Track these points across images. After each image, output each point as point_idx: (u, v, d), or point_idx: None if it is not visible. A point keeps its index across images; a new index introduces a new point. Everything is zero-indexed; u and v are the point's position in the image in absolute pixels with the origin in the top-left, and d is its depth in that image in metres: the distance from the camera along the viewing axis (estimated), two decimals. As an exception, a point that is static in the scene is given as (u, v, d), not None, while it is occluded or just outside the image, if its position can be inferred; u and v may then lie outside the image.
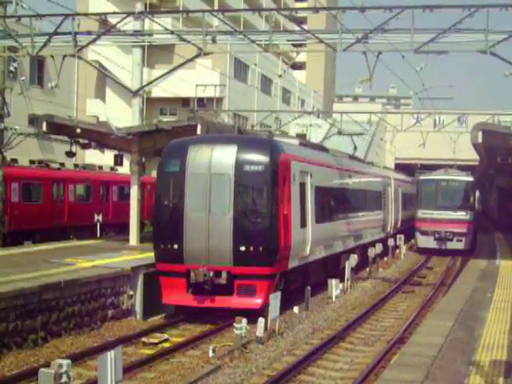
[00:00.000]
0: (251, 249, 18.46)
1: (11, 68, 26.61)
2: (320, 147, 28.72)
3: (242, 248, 18.46)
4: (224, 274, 18.48)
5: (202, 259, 18.53)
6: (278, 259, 19.02)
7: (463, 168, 49.72)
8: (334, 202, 26.26)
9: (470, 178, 41.15)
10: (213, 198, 18.66)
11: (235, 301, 18.44)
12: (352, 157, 34.07)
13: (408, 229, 43.36)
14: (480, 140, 27.09)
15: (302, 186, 21.49)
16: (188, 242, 18.66)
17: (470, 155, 54.68)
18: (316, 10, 24.62)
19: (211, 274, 18.19)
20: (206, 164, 18.82)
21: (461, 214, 38.78)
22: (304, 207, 21.54)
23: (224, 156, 18.91)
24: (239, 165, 18.80)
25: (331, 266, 25.35)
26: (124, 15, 21.68)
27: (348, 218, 28.29)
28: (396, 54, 21.21)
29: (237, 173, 18.73)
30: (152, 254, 19.63)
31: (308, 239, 21.72)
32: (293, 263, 20.38)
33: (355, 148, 36.84)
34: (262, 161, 18.92)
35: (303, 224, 21.34)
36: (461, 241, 38.42)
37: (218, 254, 18.55)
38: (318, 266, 23.78)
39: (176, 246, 18.70)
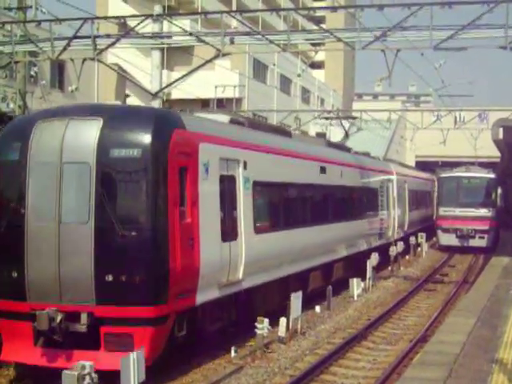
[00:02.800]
0: (123, 278, 12.35)
1: (32, 72, 26.90)
2: (277, 129, 21.37)
3: (109, 276, 12.35)
4: (84, 318, 12.33)
5: (50, 294, 12.52)
6: (173, 292, 12.71)
7: (484, 165, 49.47)
8: (293, 205, 19.67)
9: (492, 175, 40.91)
10: (64, 200, 12.64)
11: (103, 358, 12.12)
12: (333, 144, 27.12)
13: (421, 231, 39.60)
14: (501, 136, 27.02)
15: (229, 181, 15.25)
16: (30, 267, 12.62)
17: (491, 152, 54.49)
18: (334, 8, 24.58)
19: (60, 317, 12.13)
20: (56, 148, 12.80)
21: (483, 211, 38.57)
22: (232, 212, 15.38)
23: (82, 135, 12.86)
24: (104, 148, 12.66)
25: (294, 289, 18.24)
26: (143, 18, 21.75)
27: (318, 224, 21.45)
28: (415, 51, 21.14)
29: (100, 160, 12.61)
30: None
31: (241, 257, 15.41)
32: (207, 295, 13.99)
33: (346, 135, 33.28)
34: (141, 141, 12.69)
35: (230, 236, 15.05)
36: (483, 238, 38.21)
37: (74, 285, 12.47)
38: (270, 292, 17.67)
39: (15, 274, 12.71)
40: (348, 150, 28.78)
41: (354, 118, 36.69)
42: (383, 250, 29.34)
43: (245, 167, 15.89)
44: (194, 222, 13.45)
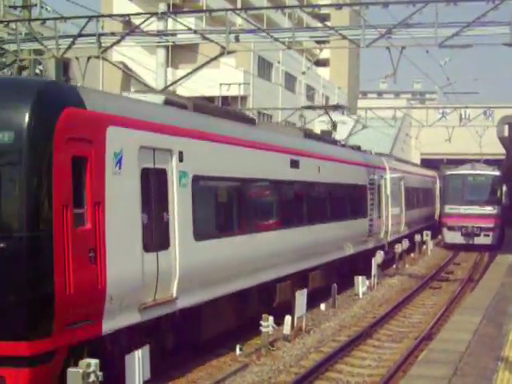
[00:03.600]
0: None
1: (37, 70, 26.87)
2: (235, 115, 17.63)
3: None
4: None
5: None
6: (62, 321, 9.75)
7: (490, 162, 49.40)
8: (253, 205, 16.58)
9: (497, 173, 40.84)
10: None
11: None
12: (313, 136, 23.63)
13: (421, 231, 38.20)
14: (506, 134, 27.04)
15: (156, 175, 12.27)
16: None
17: (497, 149, 54.38)
18: (339, 6, 24.55)
19: None
20: None
21: (488, 209, 38.50)
22: (161, 214, 12.35)
23: None
24: None
25: (256, 303, 16.43)
26: (147, 16, 21.77)
27: (288, 227, 18.42)
28: (420, 48, 21.12)
29: None
30: None
31: (174, 269, 12.46)
32: (120, 320, 11.05)
33: (334, 126, 29.46)
34: (14, 122, 9.74)
35: (158, 244, 12.07)
36: (488, 236, 38.15)
37: None
38: (223, 310, 14.86)
39: None
40: (334, 142, 26.13)
41: (341, 106, 33.97)
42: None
43: (181, 159, 12.75)
44: (97, 228, 10.41)
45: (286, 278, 18.02)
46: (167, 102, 13.85)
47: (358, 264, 25.39)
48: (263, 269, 16.46)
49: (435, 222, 47.21)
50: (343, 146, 27.21)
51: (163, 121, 12.62)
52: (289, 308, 17.42)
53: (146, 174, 11.76)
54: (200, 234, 13.41)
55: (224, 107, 21.98)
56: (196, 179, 13.42)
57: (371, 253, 26.10)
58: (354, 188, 25.10)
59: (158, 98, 14.00)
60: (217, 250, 14.22)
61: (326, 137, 26.72)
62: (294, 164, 18.91)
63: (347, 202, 24.33)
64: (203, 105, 15.87)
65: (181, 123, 13.28)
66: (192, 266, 12.97)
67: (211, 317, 14.17)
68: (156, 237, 12.03)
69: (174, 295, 12.47)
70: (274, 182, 17.71)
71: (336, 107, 33.15)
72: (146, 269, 11.49)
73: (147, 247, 11.64)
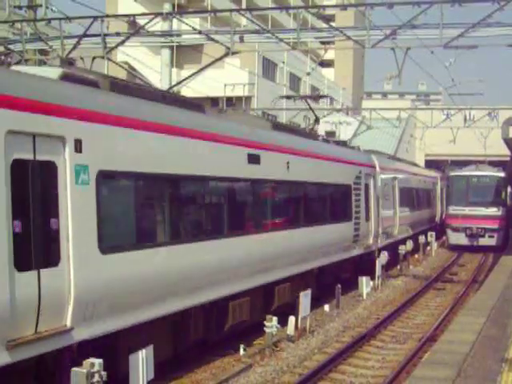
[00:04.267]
0: None
1: (42, 70, 26.90)
2: (174, 99, 14.23)
3: None
4: None
5: None
6: None
7: (494, 164, 49.35)
8: (193, 207, 13.76)
9: (502, 174, 40.80)
10: None
11: None
12: (284, 127, 20.20)
13: (420, 235, 36.67)
14: (511, 135, 26.90)
15: (38, 170, 9.48)
16: None
17: (502, 151, 54.19)
18: (344, 7, 24.55)
19: None
20: None
21: (492, 210, 38.48)
22: (46, 221, 9.58)
23: None
24: None
25: (200, 327, 13.90)
26: (152, 16, 21.80)
27: (243, 234, 15.39)
28: (425, 49, 21.11)
29: None
30: None
31: (68, 291, 9.85)
32: None
33: (316, 120, 24.87)
34: None
35: (40, 259, 9.41)
36: (493, 237, 38.12)
37: None
38: (151, 338, 11.69)
39: None
40: (313, 136, 22.72)
41: (322, 96, 31.97)
42: (365, 261, 25.48)
43: (78, 149, 10.05)
44: None
45: (242, 294, 15.25)
46: (66, 77, 11.02)
47: (342, 272, 23.19)
48: (209, 285, 13.64)
49: (437, 225, 46.27)
50: (326, 140, 24.34)
51: (53, 99, 9.81)
52: (245, 331, 15.97)
53: (20, 167, 9.09)
54: (110, 245, 10.66)
55: (161, 90, 17.87)
56: (104, 176, 10.61)
57: (360, 260, 24.77)
58: (335, 188, 21.96)
59: (54, 72, 11.19)
60: (137, 264, 11.29)
61: (301, 130, 23.28)
62: (253, 159, 15.72)
63: (326, 203, 21.32)
64: (125, 84, 12.96)
65: (83, 103, 10.42)
66: (96, 286, 10.26)
67: (132, 347, 10.90)
68: (37, 250, 9.27)
69: (69, 325, 9.74)
70: (223, 180, 14.66)
71: (320, 97, 32.10)
72: (18, 293, 8.87)
73: (21, 264, 8.99)
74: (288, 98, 26.21)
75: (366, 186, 25.50)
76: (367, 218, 25.44)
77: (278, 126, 19.40)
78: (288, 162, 17.80)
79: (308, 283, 19.33)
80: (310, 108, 24.45)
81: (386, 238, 28.91)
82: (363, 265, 25.31)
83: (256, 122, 18.53)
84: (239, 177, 15.22)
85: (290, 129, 21.08)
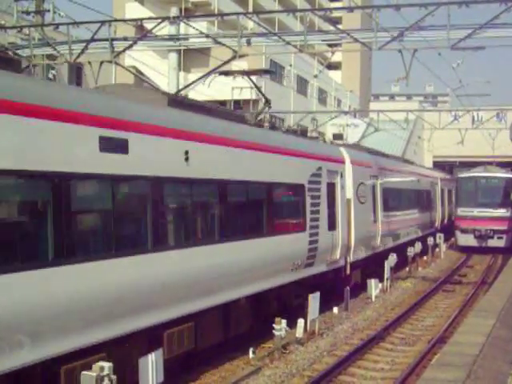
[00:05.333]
0: None
1: (50, 75, 27.03)
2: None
3: None
4: None
5: None
6: None
7: (503, 165, 49.21)
8: (97, 214, 10.89)
9: (510, 175, 40.72)
10: None
11: None
12: (180, 102, 14.48)
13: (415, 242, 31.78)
14: (519, 136, 26.86)
15: None
16: None
17: (510, 151, 54.14)
18: (351, 9, 24.52)
19: None
20: None
21: (501, 212, 38.40)
22: None
23: None
24: None
25: (124, 361, 10.87)
26: (159, 20, 21.83)
27: (164, 249, 12.09)
28: (432, 51, 21.10)
29: None
30: None
31: None
32: None
33: (267, 101, 19.38)
34: None
35: None
36: (501, 238, 38.05)
37: None
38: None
39: None
40: (259, 124, 18.44)
41: (267, 71, 28.16)
42: (330, 280, 20.74)
43: None
44: None
45: (180, 321, 12.47)
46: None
47: (291, 298, 18.05)
48: (130, 312, 10.94)
49: (436, 231, 40.85)
50: (274, 128, 20.13)
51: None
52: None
53: None
54: None
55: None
56: None
57: (322, 279, 19.82)
58: (276, 189, 16.65)
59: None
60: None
61: (225, 110, 16.90)
62: (113, 146, 10.88)
63: (258, 210, 15.89)
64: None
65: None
66: None
67: None
68: None
69: None
70: (144, 181, 11.64)
71: (265, 72, 27.76)
72: None
73: None
74: (226, 74, 20.13)
75: (331, 186, 20.48)
76: (331, 227, 20.26)
77: (178, 102, 14.22)
78: (187, 152, 12.89)
79: (234, 317, 14.89)
80: (256, 86, 20.45)
81: (364, 250, 23.87)
82: (328, 285, 20.47)
83: (146, 96, 13.62)
84: (83, 171, 10.17)
85: (201, 107, 15.01)
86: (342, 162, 22.09)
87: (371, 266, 24.98)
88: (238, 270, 14.62)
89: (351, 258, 22.26)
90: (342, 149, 23.24)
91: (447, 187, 48.37)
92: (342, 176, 21.57)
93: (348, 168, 22.49)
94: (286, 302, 17.63)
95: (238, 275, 14.67)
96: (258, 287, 15.63)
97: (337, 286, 21.18)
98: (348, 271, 22.06)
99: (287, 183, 17.57)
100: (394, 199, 29.68)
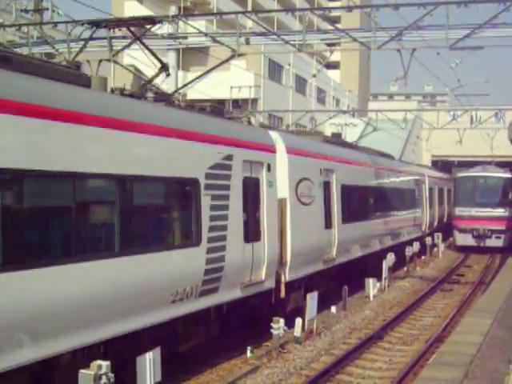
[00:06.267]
0: None
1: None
2: None
3: None
4: None
5: None
6: None
7: (501, 164, 49.19)
8: None
9: (509, 175, 40.74)
10: None
11: None
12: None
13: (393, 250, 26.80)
14: (518, 136, 26.89)
15: None
16: None
17: (508, 151, 54.12)
18: (349, 8, 24.53)
19: None
20: None
21: (499, 211, 38.43)
22: None
23: None
24: None
25: None
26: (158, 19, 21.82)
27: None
28: (431, 50, 21.10)
29: None
30: None
31: None
32: None
33: (163, 66, 14.91)
34: None
35: None
36: (500, 238, 38.08)
37: None
38: None
39: None
40: (138, 96, 13.26)
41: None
42: (254, 309, 15.99)
43: None
44: None
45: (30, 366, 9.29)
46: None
47: (182, 340, 13.31)
48: None
49: (423, 236, 36.54)
50: (160, 100, 14.31)
51: None
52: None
53: None
54: None
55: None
56: None
57: (239, 308, 14.97)
58: (138, 185, 11.62)
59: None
60: None
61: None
62: None
63: (96, 216, 11.07)
64: None
65: None
66: None
67: None
68: None
69: None
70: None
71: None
72: None
73: None
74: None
75: (249, 183, 15.29)
76: (252, 237, 15.24)
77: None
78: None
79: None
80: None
81: (311, 265, 18.74)
82: (249, 315, 15.86)
83: None
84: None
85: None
86: (271, 150, 16.68)
87: (327, 283, 20.39)
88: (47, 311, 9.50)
89: (287, 277, 17.01)
90: (274, 133, 17.88)
91: (438, 186, 45.07)
92: (269, 169, 16.24)
93: (281, 158, 17.17)
94: (171, 346, 12.73)
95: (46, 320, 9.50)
96: (94, 336, 10.42)
97: (263, 315, 16.02)
98: (283, 293, 16.92)
99: (160, 177, 12.22)
100: (359, 200, 24.46)
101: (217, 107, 16.41)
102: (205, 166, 13.53)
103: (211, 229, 13.43)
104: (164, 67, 15.38)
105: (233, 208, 14.34)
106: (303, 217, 18.13)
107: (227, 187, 14.28)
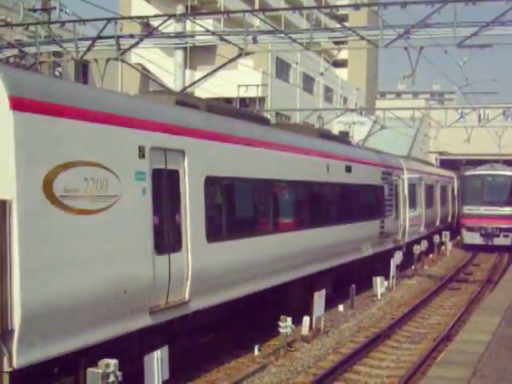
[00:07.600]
0: None
1: (56, 73, 27.06)
2: None
3: None
4: None
5: None
6: None
7: (509, 163, 49.05)
8: None
9: (516, 173, 40.60)
10: None
11: None
12: None
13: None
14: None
15: None
16: None
17: (517, 150, 54.00)
18: (357, 6, 24.52)
19: None
20: None
21: (507, 210, 38.31)
22: None
23: None
24: None
25: None
26: (166, 18, 21.84)
27: None
28: (439, 48, 21.04)
29: None
30: None
31: None
32: None
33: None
34: None
35: None
36: (508, 236, 37.97)
37: None
38: None
39: None
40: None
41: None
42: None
43: None
44: None
45: None
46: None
47: None
48: None
49: (401, 249, 27.84)
50: None
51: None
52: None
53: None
54: None
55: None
56: None
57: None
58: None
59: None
60: None
61: None
62: None
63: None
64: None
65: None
66: None
67: None
68: None
69: None
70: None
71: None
72: None
73: None
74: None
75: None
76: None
77: None
78: None
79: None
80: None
81: (107, 325, 10.37)
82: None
83: None
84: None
85: None
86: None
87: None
88: None
89: (15, 362, 8.67)
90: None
91: (429, 183, 36.83)
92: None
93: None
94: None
95: None
96: None
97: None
98: None
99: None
100: (251, 202, 15.82)
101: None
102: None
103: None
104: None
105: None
106: (77, 237, 9.56)
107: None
